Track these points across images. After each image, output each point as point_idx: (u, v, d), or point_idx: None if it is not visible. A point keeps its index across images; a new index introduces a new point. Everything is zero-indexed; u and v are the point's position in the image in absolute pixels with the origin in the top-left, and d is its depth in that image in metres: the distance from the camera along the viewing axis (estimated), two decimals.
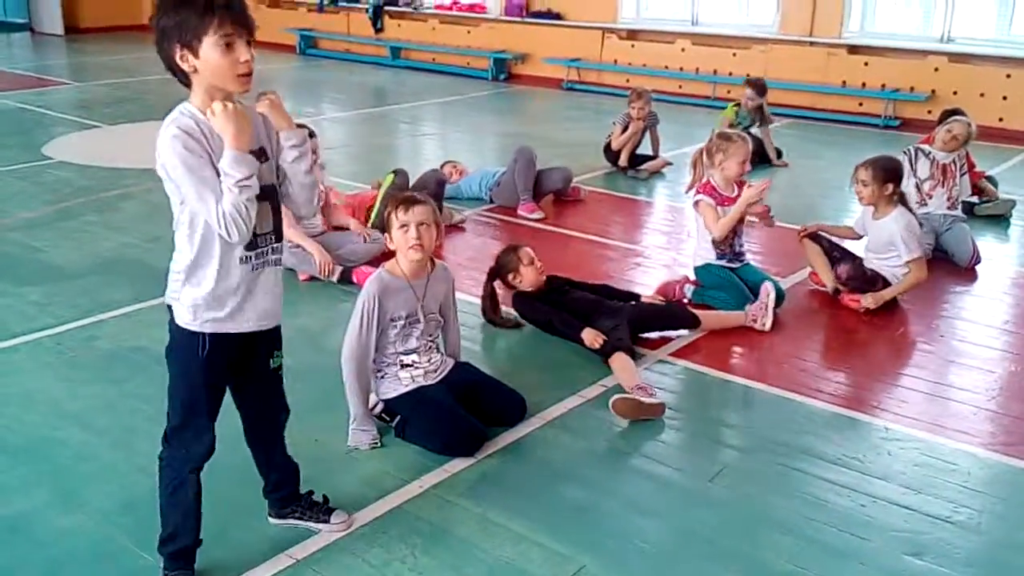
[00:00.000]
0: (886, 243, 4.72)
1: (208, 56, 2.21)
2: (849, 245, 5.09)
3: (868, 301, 4.62)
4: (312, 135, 5.08)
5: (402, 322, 3.33)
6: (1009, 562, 2.83)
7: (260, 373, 2.61)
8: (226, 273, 2.39)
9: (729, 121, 7.68)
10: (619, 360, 3.81)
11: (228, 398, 2.62)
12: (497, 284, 4.41)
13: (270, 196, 2.42)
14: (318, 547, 2.78)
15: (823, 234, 5.03)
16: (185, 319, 2.42)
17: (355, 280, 4.82)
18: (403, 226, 3.25)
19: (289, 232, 4.86)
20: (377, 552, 2.77)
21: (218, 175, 2.26)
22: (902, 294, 4.73)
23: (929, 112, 6.72)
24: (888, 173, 4.70)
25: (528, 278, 4.31)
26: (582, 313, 4.18)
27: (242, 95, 2.33)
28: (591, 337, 3.97)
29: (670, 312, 4.45)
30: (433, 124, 9.85)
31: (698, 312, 4.44)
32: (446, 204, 6.10)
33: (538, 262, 4.34)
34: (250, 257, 2.41)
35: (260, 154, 2.38)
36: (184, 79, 2.30)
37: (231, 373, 2.54)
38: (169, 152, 2.24)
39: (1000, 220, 6.42)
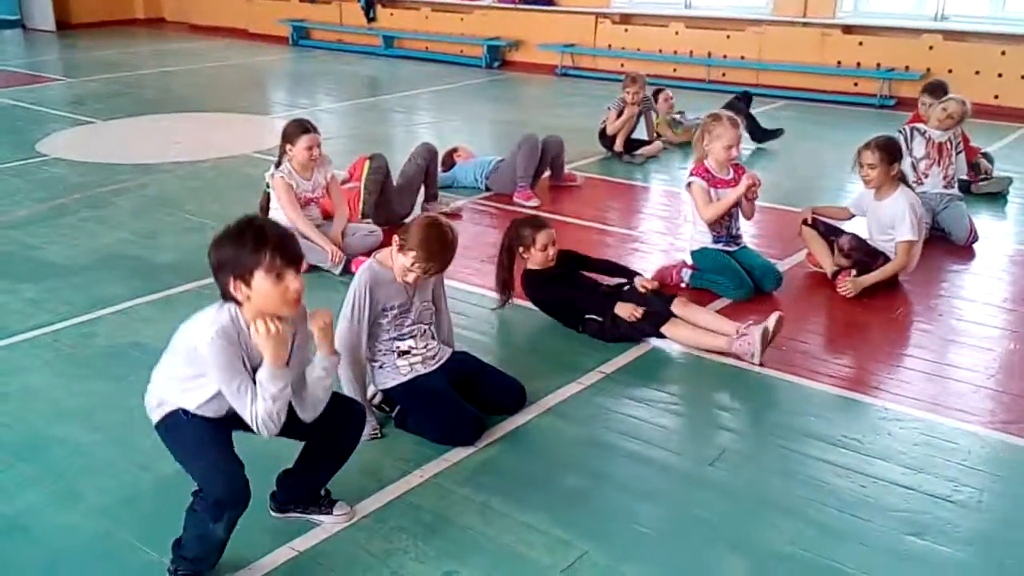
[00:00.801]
0: (888, 224, 4.71)
1: (260, 287, 2.39)
2: (845, 225, 5.08)
3: (847, 288, 4.59)
4: (316, 129, 5.07)
5: (394, 311, 3.33)
6: (1010, 540, 2.83)
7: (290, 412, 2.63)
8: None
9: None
10: (677, 328, 4.03)
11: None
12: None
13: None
14: (320, 539, 2.79)
15: (819, 217, 5.02)
16: (167, 411, 2.57)
17: (354, 270, 4.83)
18: (411, 268, 3.23)
19: (298, 223, 4.90)
20: (379, 542, 2.77)
21: (249, 372, 2.44)
22: (884, 279, 4.67)
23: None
24: (893, 153, 4.70)
25: (535, 260, 4.21)
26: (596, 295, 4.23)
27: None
28: (629, 310, 4.02)
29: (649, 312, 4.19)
30: (428, 113, 9.82)
31: (676, 325, 4.09)
32: (442, 193, 6.10)
33: (552, 250, 4.20)
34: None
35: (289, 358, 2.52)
36: (236, 302, 2.45)
37: (242, 425, 2.57)
38: (208, 347, 2.40)
39: (997, 197, 6.42)
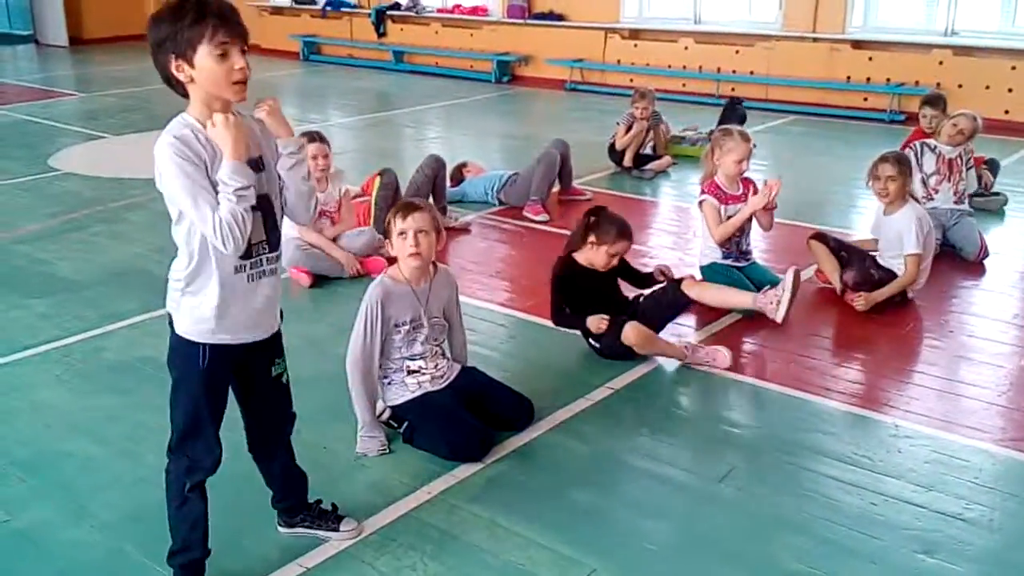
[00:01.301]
0: (896, 239, 4.70)
1: (203, 65, 2.23)
2: (857, 243, 5.07)
3: (860, 303, 4.59)
4: (324, 139, 5.10)
5: (406, 327, 3.33)
6: (1021, 559, 2.81)
7: (261, 382, 2.61)
8: (223, 283, 2.39)
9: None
10: (703, 288, 4.28)
11: (234, 407, 2.62)
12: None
13: (264, 206, 2.42)
14: (328, 555, 2.78)
15: (829, 233, 5.00)
16: (184, 328, 2.43)
17: (368, 270, 4.90)
18: (401, 233, 3.25)
19: (311, 237, 4.94)
20: (387, 559, 2.77)
21: (214, 185, 2.27)
22: (894, 294, 4.66)
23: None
24: (909, 167, 4.72)
25: (593, 257, 4.06)
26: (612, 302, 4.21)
27: (239, 103, 2.34)
28: (595, 322, 4.00)
29: (667, 301, 4.27)
30: (438, 128, 9.85)
31: (698, 286, 4.35)
32: (450, 208, 6.10)
33: (614, 262, 4.07)
34: (245, 266, 2.42)
35: (257, 164, 2.38)
36: (181, 90, 2.32)
37: (234, 382, 2.55)
38: (166, 160, 2.26)
39: (1003, 213, 6.41)
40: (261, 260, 2.45)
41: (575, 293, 4.10)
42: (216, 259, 2.36)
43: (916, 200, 4.79)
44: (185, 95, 2.32)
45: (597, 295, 4.12)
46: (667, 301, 4.27)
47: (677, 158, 7.79)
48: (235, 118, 2.29)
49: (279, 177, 2.47)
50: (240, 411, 2.66)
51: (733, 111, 8.24)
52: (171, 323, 2.46)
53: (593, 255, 4.06)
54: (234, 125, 2.27)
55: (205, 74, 2.24)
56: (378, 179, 5.68)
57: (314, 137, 5.05)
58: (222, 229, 2.24)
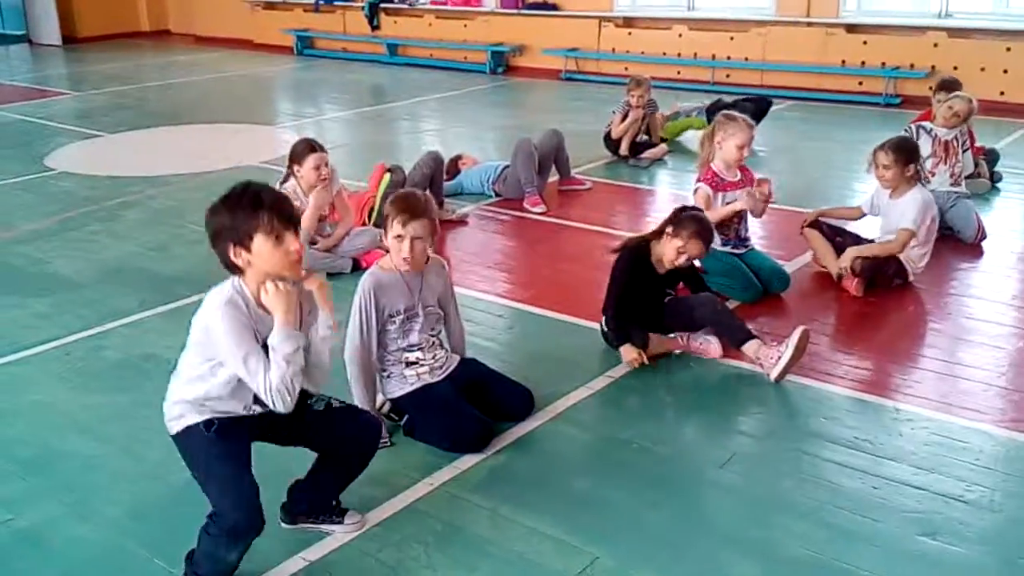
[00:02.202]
0: (900, 220, 4.70)
1: (260, 251, 2.40)
2: (853, 227, 5.07)
3: (845, 263, 4.64)
4: (322, 149, 5.05)
5: (401, 317, 3.33)
6: (1022, 539, 2.81)
7: (305, 422, 2.66)
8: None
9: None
10: (628, 351, 3.91)
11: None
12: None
13: None
14: (331, 548, 2.79)
15: (823, 220, 5.01)
16: (185, 424, 2.54)
17: (364, 265, 4.90)
18: (398, 236, 3.24)
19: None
20: (390, 551, 2.77)
21: (259, 344, 2.42)
22: (877, 256, 4.66)
23: (930, 88, 6.69)
24: (908, 153, 4.70)
25: (666, 255, 3.93)
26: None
27: (295, 279, 2.49)
28: (632, 355, 3.90)
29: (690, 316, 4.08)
30: (433, 120, 9.84)
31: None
32: (447, 200, 6.10)
33: (683, 262, 3.92)
34: (255, 409, 2.57)
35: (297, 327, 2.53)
36: (239, 272, 2.47)
37: (261, 435, 2.61)
38: (218, 318, 2.40)
39: (1000, 194, 6.43)
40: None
41: (632, 285, 3.96)
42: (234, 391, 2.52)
43: (926, 180, 4.79)
44: (238, 273, 2.47)
45: (649, 297, 4.01)
46: (690, 316, 4.07)
47: (677, 136, 7.80)
48: (287, 286, 2.44)
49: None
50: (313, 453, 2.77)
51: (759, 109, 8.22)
52: (176, 436, 2.57)
53: (664, 247, 3.94)
54: (286, 294, 2.42)
55: (263, 259, 2.41)
56: (387, 176, 5.68)
57: (315, 148, 4.98)
58: (273, 393, 2.41)
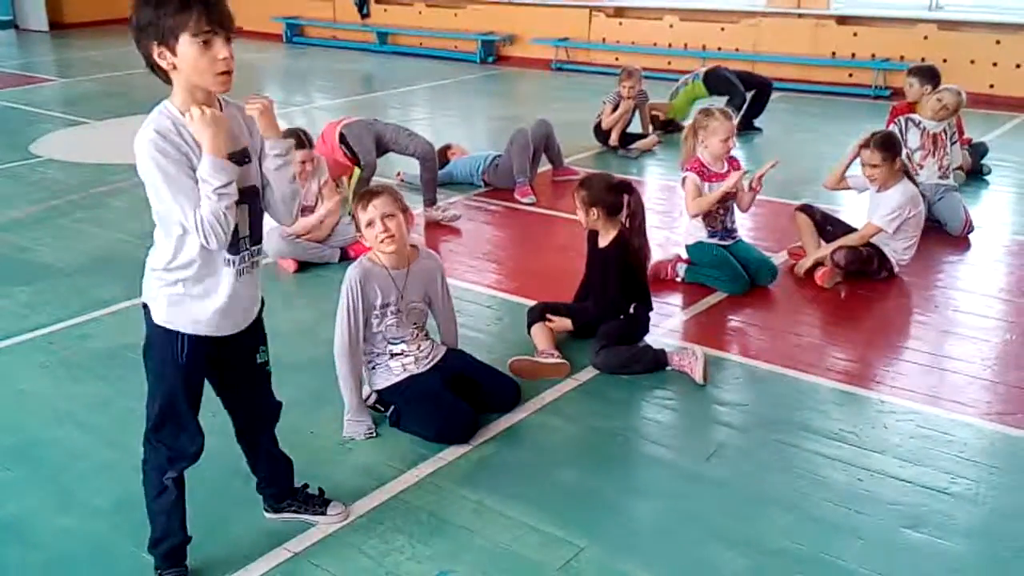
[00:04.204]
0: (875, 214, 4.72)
1: (186, 54, 2.17)
2: (843, 216, 5.08)
3: (826, 281, 4.64)
4: (310, 144, 5.03)
5: (383, 310, 3.32)
6: (1006, 531, 2.83)
7: (246, 370, 2.60)
8: (207, 275, 2.36)
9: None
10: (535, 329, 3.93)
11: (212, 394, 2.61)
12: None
13: (250, 199, 2.39)
14: (315, 539, 2.78)
15: (816, 206, 5.01)
16: (163, 318, 2.39)
17: (352, 255, 4.88)
18: (369, 223, 3.23)
19: (297, 230, 4.91)
20: (375, 542, 2.77)
21: (195, 179, 2.23)
22: (854, 247, 4.67)
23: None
24: (893, 150, 4.70)
25: (607, 233, 3.90)
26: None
27: (223, 93, 2.31)
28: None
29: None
30: (423, 109, 9.80)
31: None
32: (440, 202, 6.00)
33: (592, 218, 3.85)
34: (234, 261, 2.39)
35: (242, 155, 2.35)
36: (163, 76, 2.26)
37: (213, 371, 2.52)
38: (144, 155, 2.21)
39: (988, 186, 6.46)
40: (247, 255, 2.43)
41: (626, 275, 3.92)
42: (200, 251, 2.32)
43: (910, 177, 4.80)
44: (168, 81, 2.26)
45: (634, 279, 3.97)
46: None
47: (689, 110, 7.80)
48: (213, 112, 2.22)
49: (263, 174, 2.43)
50: (223, 402, 2.64)
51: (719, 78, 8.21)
52: (147, 313, 2.42)
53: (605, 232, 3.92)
54: (212, 120, 2.20)
55: (188, 63, 2.18)
56: (357, 170, 5.66)
57: (303, 142, 4.97)
58: (204, 227, 2.22)
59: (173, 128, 2.23)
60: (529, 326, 3.98)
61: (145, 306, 2.43)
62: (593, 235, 3.97)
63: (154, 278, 2.39)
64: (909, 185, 4.73)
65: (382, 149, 5.84)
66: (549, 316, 3.95)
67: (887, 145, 4.70)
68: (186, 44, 2.16)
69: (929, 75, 6.22)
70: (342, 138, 5.71)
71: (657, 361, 3.78)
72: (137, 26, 2.19)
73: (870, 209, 4.82)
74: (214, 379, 2.57)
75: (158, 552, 2.58)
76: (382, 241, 3.23)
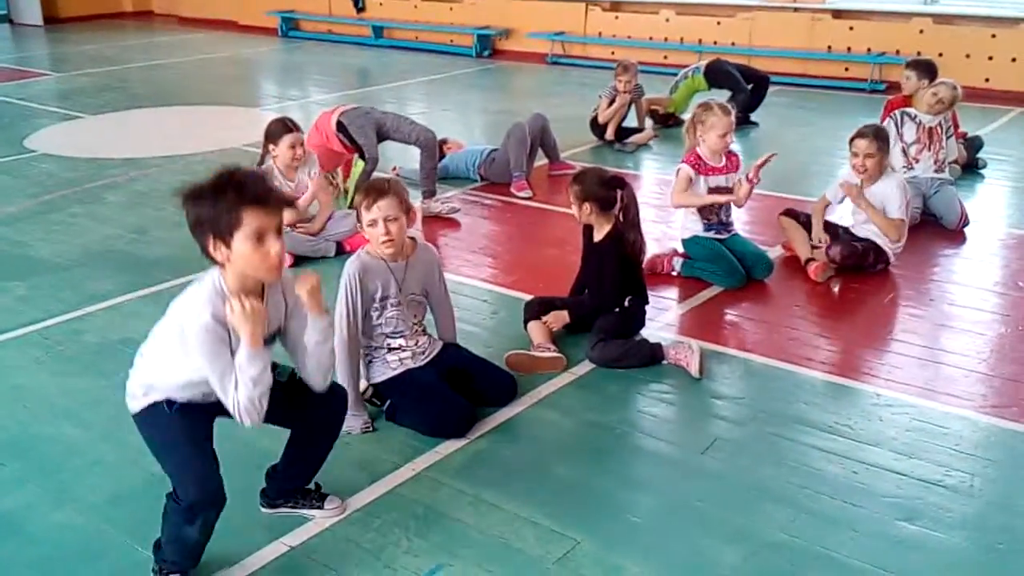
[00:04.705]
0: (879, 207, 4.71)
1: (240, 250, 2.27)
2: (830, 216, 5.07)
3: (819, 274, 4.63)
4: (298, 129, 5.02)
5: (383, 303, 3.32)
6: (1001, 524, 2.83)
7: (274, 394, 2.55)
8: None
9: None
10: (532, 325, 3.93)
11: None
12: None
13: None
14: (312, 533, 2.78)
15: (798, 211, 5.02)
16: (148, 403, 2.48)
17: (348, 248, 4.88)
18: (371, 223, 3.23)
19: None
20: (371, 536, 2.77)
21: (232, 356, 2.35)
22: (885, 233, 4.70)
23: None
24: (887, 142, 4.71)
25: (602, 227, 3.90)
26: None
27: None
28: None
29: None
30: (419, 103, 9.78)
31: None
32: (439, 195, 5.99)
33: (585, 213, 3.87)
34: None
35: (275, 335, 2.50)
36: (218, 263, 2.35)
37: (224, 412, 2.50)
38: (194, 333, 2.32)
39: (983, 179, 6.47)
40: None
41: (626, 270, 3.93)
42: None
43: (910, 166, 4.82)
44: (222, 266, 2.35)
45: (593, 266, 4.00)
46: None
47: (688, 103, 7.80)
48: (252, 304, 2.29)
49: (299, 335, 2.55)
50: (277, 422, 2.67)
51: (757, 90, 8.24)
52: (133, 415, 2.52)
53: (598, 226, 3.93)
54: (252, 314, 2.29)
55: (242, 258, 2.28)
56: (360, 163, 5.65)
57: (291, 127, 4.95)
58: (239, 410, 2.35)
59: (222, 306, 2.32)
60: (526, 322, 3.98)
61: (136, 415, 2.52)
62: (588, 230, 3.97)
63: (146, 388, 2.49)
64: (895, 174, 4.75)
65: (381, 138, 5.81)
66: (544, 319, 3.94)
67: (880, 135, 4.73)
68: (240, 241, 2.26)
69: (927, 69, 6.23)
70: (340, 127, 5.67)
71: (653, 355, 3.79)
72: (194, 220, 2.29)
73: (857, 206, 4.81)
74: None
75: (160, 556, 2.57)
76: (383, 243, 3.23)
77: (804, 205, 5.53)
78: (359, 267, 3.28)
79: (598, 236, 3.91)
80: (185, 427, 2.46)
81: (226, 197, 2.23)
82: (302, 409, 2.66)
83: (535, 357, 3.75)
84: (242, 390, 2.33)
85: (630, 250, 3.86)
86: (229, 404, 2.35)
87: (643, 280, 4.01)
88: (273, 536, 2.76)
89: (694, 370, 3.68)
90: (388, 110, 6.25)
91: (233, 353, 2.34)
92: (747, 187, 4.65)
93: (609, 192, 3.82)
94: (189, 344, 2.33)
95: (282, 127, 4.96)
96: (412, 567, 2.64)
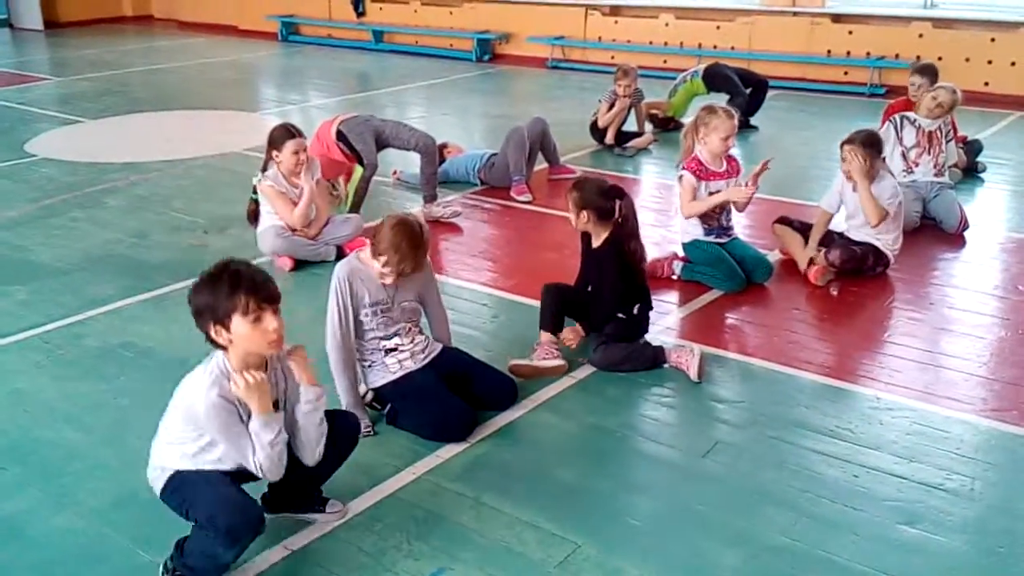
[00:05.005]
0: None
1: (239, 331, 2.43)
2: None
3: (819, 278, 4.64)
4: (301, 135, 5.03)
5: (376, 308, 3.33)
6: (1002, 527, 2.84)
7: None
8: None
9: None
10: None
11: None
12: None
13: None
14: (313, 537, 2.79)
15: (794, 218, 5.03)
16: (165, 478, 2.58)
17: (348, 253, 4.87)
18: (386, 268, 3.26)
19: (297, 224, 4.92)
20: (372, 540, 2.77)
21: (246, 424, 2.50)
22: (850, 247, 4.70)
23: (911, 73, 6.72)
24: (876, 147, 4.71)
25: (599, 235, 3.89)
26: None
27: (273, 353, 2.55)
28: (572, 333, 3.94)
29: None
30: (419, 108, 9.79)
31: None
32: (440, 199, 6.02)
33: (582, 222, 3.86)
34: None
35: (280, 400, 2.61)
36: (222, 347, 2.49)
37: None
38: (204, 411, 2.44)
39: (982, 183, 6.48)
40: None
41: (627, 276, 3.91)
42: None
43: (888, 170, 4.82)
44: (226, 350, 2.49)
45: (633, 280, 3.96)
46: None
47: (687, 107, 7.79)
48: (255, 377, 2.45)
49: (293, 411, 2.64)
50: None
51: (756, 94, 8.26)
52: (165, 482, 2.57)
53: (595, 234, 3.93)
54: (256, 386, 2.45)
55: (242, 338, 2.44)
56: (359, 169, 5.66)
57: (294, 133, 4.96)
58: (262, 470, 2.52)
59: (228, 386, 2.47)
60: (542, 313, 3.90)
61: (163, 490, 2.59)
62: (587, 235, 3.98)
63: (165, 469, 2.58)
64: (888, 176, 4.76)
65: (381, 145, 5.82)
66: (561, 335, 3.89)
67: (869, 143, 4.68)
68: (239, 323, 2.42)
69: (932, 73, 6.25)
70: (340, 135, 5.69)
71: (654, 358, 3.79)
72: (195, 310, 2.46)
73: (853, 208, 4.80)
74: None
75: (182, 560, 2.57)
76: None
77: (803, 209, 5.57)
78: (348, 271, 3.29)
79: (596, 243, 3.91)
80: (210, 476, 2.53)
81: (222, 285, 2.41)
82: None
83: (539, 367, 3.74)
84: (260, 453, 2.49)
85: (630, 258, 3.87)
86: (252, 468, 2.51)
87: (647, 287, 4.00)
88: (275, 540, 2.76)
89: (694, 373, 3.68)
90: (388, 116, 6.26)
91: (244, 422, 2.49)
92: (747, 191, 4.64)
93: (608, 202, 3.83)
94: (202, 422, 2.47)
95: (285, 133, 4.97)
96: (413, 571, 2.64)
